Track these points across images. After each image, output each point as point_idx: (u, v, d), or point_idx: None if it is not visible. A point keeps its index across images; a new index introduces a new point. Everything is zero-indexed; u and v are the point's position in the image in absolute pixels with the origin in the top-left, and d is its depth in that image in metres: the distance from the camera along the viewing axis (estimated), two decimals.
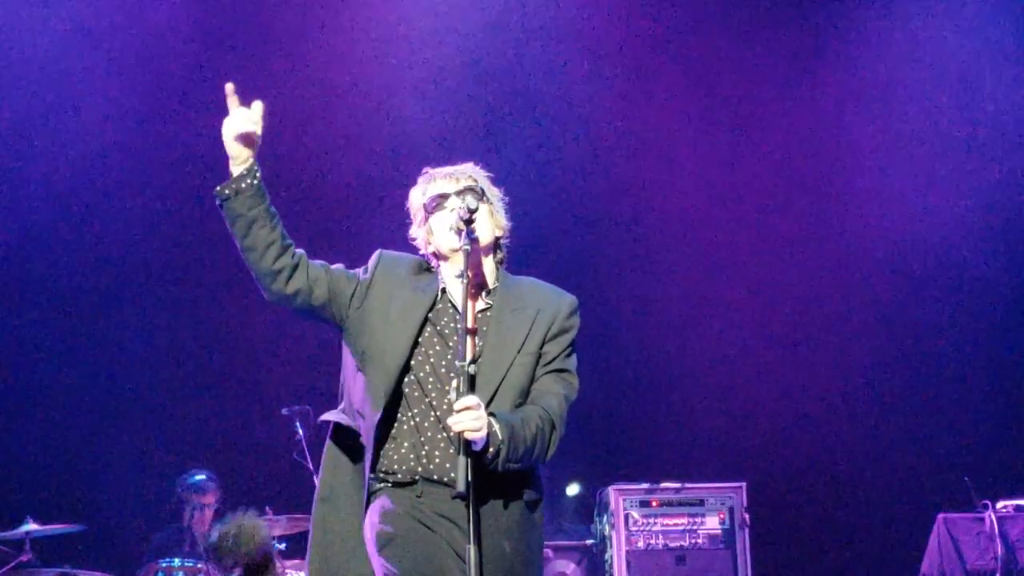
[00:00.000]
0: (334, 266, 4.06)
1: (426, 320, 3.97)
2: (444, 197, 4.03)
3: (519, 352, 3.93)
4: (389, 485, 3.89)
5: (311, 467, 7.31)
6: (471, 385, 3.71)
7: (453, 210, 3.95)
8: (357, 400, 3.94)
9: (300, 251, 3.97)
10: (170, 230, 8.85)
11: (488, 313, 4.00)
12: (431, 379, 3.90)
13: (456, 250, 3.92)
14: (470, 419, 3.61)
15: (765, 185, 9.05)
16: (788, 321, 8.91)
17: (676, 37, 8.96)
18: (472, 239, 3.87)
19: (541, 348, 3.97)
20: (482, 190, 4.00)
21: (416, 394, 3.90)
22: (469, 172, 4.10)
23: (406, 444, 3.90)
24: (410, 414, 3.91)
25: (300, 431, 7.49)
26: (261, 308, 8.76)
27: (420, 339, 3.94)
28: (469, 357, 3.77)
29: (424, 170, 4.17)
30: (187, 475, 8.17)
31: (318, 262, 4.03)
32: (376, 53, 8.81)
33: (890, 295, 8.95)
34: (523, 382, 3.94)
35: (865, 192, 9.00)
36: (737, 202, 9.03)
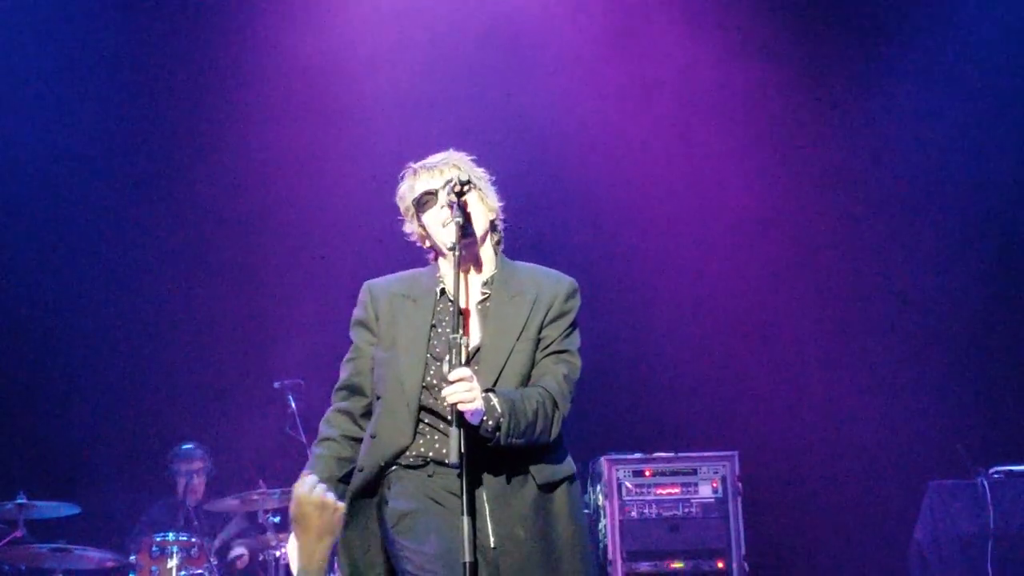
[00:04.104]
0: (348, 363, 4.11)
1: (431, 328, 3.98)
2: (432, 194, 4.02)
3: (518, 339, 3.95)
4: (401, 466, 3.91)
5: (303, 440, 7.37)
6: (465, 357, 3.72)
7: (443, 207, 3.96)
8: (379, 425, 3.95)
9: (339, 421, 4.05)
10: (160, 204, 8.85)
11: (487, 303, 4.00)
12: (436, 380, 3.91)
13: (452, 249, 3.92)
14: (463, 390, 3.61)
15: (757, 167, 9.03)
16: (779, 290, 8.88)
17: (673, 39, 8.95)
18: (464, 212, 3.86)
19: (540, 333, 3.98)
20: (468, 179, 3.94)
21: (431, 399, 3.92)
22: (452, 161, 4.08)
23: (417, 436, 3.92)
24: (423, 413, 3.93)
25: (292, 404, 7.55)
26: (253, 281, 8.73)
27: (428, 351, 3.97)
28: (462, 331, 3.77)
29: (407, 165, 4.14)
30: (176, 446, 8.31)
31: (343, 385, 4.10)
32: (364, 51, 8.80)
33: (880, 263, 8.95)
34: (525, 367, 3.96)
35: (855, 174, 9.03)
36: (729, 181, 9.01)
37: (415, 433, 3.90)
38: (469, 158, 4.12)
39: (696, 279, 8.96)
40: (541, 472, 3.93)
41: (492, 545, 3.81)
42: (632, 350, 8.94)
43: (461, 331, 3.75)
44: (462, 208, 3.88)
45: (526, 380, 3.94)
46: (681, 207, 8.99)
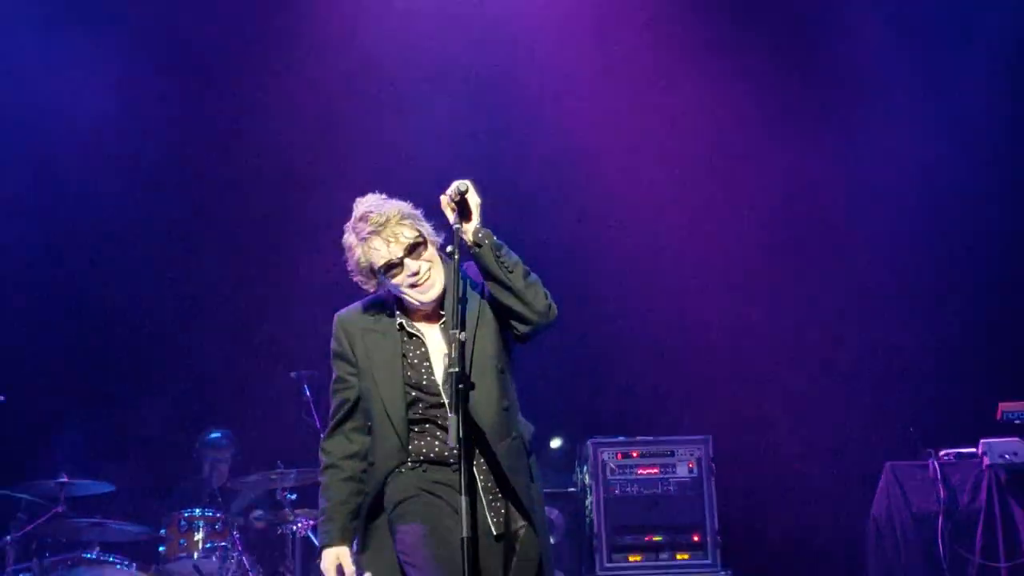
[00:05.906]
0: (337, 393, 4.22)
1: (402, 358, 4.09)
2: (397, 265, 4.03)
3: (477, 324, 4.06)
4: (400, 471, 4.11)
5: (317, 425, 7.52)
6: (461, 352, 3.83)
7: (412, 273, 4.03)
8: (375, 454, 4.12)
9: (334, 446, 4.20)
10: (188, 193, 8.84)
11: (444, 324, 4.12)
12: (419, 404, 4.07)
13: (424, 302, 4.06)
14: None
15: (733, 154, 9.11)
16: (747, 287, 8.96)
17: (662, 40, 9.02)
18: (464, 210, 3.93)
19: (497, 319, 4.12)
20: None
21: (416, 419, 4.08)
22: (398, 220, 4.02)
23: (410, 443, 4.11)
24: (413, 427, 4.11)
25: (307, 393, 7.69)
26: (276, 274, 8.75)
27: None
28: (460, 328, 3.88)
29: (350, 228, 4.10)
30: (205, 433, 8.48)
31: (335, 411, 4.23)
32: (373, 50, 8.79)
33: (843, 254, 9.02)
34: (492, 346, 4.08)
35: (828, 174, 9.07)
36: (707, 179, 9.05)
37: (408, 450, 4.06)
38: (409, 206, 4.11)
39: (675, 278, 8.96)
40: (528, 464, 4.12)
41: (494, 533, 3.94)
42: (617, 342, 9.02)
43: (460, 328, 3.88)
44: (463, 205, 3.93)
45: (497, 361, 4.06)
46: (660, 202, 9.01)
